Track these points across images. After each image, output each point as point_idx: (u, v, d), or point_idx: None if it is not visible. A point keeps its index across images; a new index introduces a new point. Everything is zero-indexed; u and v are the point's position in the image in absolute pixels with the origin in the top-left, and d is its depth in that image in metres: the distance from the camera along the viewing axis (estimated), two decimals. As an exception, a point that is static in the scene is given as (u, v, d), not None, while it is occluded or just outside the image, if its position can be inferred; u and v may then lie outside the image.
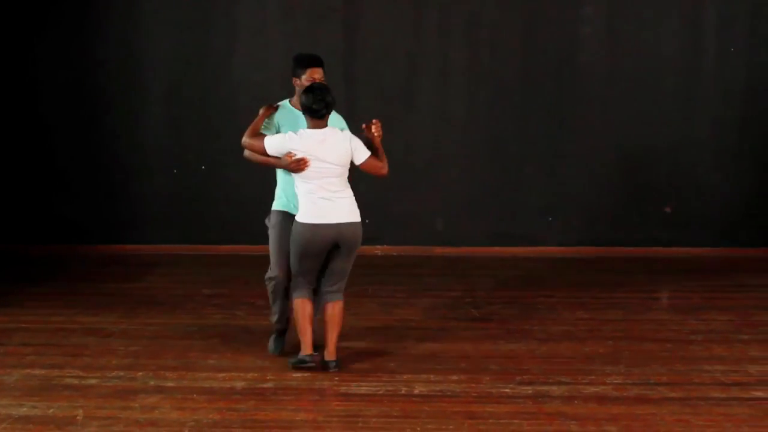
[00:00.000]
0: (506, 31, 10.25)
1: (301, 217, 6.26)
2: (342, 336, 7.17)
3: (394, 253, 10.30)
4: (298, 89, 6.44)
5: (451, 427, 5.40)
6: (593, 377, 6.23)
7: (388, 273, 9.49)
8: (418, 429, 5.37)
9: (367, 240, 10.28)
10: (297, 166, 6.17)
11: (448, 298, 8.38)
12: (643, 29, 10.27)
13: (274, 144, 6.27)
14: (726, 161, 10.35)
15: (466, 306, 8.15)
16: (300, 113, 6.34)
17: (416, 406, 5.74)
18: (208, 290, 8.70)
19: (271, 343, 6.78)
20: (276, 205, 6.66)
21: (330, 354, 6.37)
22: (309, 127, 6.23)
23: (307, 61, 6.46)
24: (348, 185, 6.45)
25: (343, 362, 6.49)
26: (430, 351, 6.77)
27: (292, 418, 5.53)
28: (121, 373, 6.31)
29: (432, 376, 6.20)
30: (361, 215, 10.29)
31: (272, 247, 6.57)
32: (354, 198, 6.48)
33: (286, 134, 6.26)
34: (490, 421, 5.48)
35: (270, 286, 6.59)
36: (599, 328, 7.44)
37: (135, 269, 9.64)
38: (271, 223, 6.64)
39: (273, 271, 6.54)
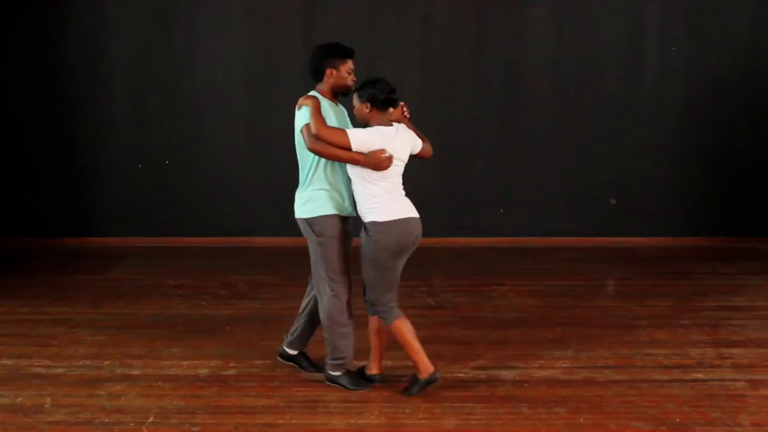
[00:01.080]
0: (458, 31, 10.26)
1: (386, 215, 5.57)
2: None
3: (352, 245, 10.25)
4: (329, 80, 5.76)
5: (407, 411, 5.42)
6: (543, 362, 6.27)
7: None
8: (376, 413, 5.38)
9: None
10: (389, 163, 5.54)
11: (403, 287, 8.33)
12: (589, 30, 10.33)
13: (360, 139, 5.49)
14: (667, 156, 10.45)
15: (422, 294, 8.17)
16: (328, 104, 5.74)
17: (374, 391, 5.75)
18: (173, 281, 8.65)
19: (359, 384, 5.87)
20: (327, 208, 5.68)
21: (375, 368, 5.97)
22: (376, 123, 5.63)
23: (348, 52, 5.81)
24: None
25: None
26: (386, 339, 6.76)
27: (254, 404, 5.52)
28: (88, 362, 6.27)
29: (389, 362, 6.19)
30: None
31: (331, 260, 5.73)
32: None
33: (369, 130, 5.56)
34: (445, 404, 5.51)
35: (332, 307, 5.73)
36: (549, 315, 7.49)
37: (101, 261, 9.56)
38: (329, 233, 5.68)
39: (342, 287, 5.76)
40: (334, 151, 5.50)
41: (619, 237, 10.40)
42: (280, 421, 5.27)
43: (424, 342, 6.11)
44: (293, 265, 9.31)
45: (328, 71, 5.76)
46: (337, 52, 5.78)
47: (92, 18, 10.21)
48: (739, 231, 10.45)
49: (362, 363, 6.01)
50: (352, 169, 5.60)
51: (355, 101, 5.71)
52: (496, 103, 10.33)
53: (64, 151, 10.38)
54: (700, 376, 6.03)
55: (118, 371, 6.11)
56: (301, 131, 5.58)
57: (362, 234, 5.65)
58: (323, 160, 5.61)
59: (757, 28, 10.30)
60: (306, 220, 5.69)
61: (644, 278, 8.79)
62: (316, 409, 5.44)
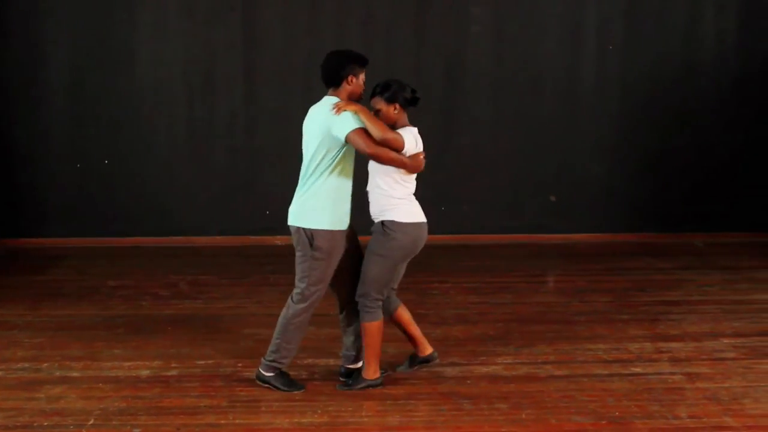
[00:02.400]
0: (399, 28, 10.28)
1: (407, 216, 5.63)
2: (244, 323, 7.16)
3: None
4: (347, 86, 5.60)
5: (350, 408, 5.41)
6: (485, 358, 6.30)
7: (288, 262, 9.40)
8: (319, 411, 5.36)
9: (268, 230, 10.31)
10: (424, 164, 5.64)
11: (346, 286, 8.38)
12: (528, 28, 10.40)
13: (409, 141, 5.56)
14: (604, 154, 10.57)
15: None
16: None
17: (317, 389, 5.73)
18: (113, 282, 8.54)
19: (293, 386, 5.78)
20: (332, 223, 5.57)
21: (428, 347, 6.04)
22: (402, 124, 5.66)
23: (366, 61, 5.73)
24: None
25: (248, 349, 6.45)
26: (330, 336, 6.75)
27: (196, 405, 5.47)
28: (26, 365, 6.16)
29: (332, 360, 6.19)
30: (264, 207, 10.33)
31: (318, 278, 5.64)
32: None
33: (404, 132, 5.57)
34: (388, 402, 5.51)
35: (298, 319, 5.68)
36: (490, 312, 7.53)
37: (39, 262, 9.40)
38: (327, 249, 5.58)
39: (317, 298, 5.71)
40: (391, 155, 5.50)
41: (558, 234, 10.48)
42: (222, 421, 5.23)
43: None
44: (236, 264, 9.29)
45: (349, 78, 5.63)
46: (359, 60, 5.69)
47: (29, 14, 10.03)
48: (676, 227, 10.59)
49: (302, 361, 5.97)
50: (385, 172, 5.61)
51: (380, 104, 5.67)
52: (436, 101, 10.34)
53: (1, 150, 10.18)
54: (638, 370, 6.10)
55: (58, 373, 6.01)
56: (348, 136, 5.42)
57: (378, 231, 5.66)
58: (338, 168, 5.54)
59: (692, 28, 10.46)
60: (310, 230, 5.56)
61: (583, 274, 8.87)
62: (259, 409, 5.41)
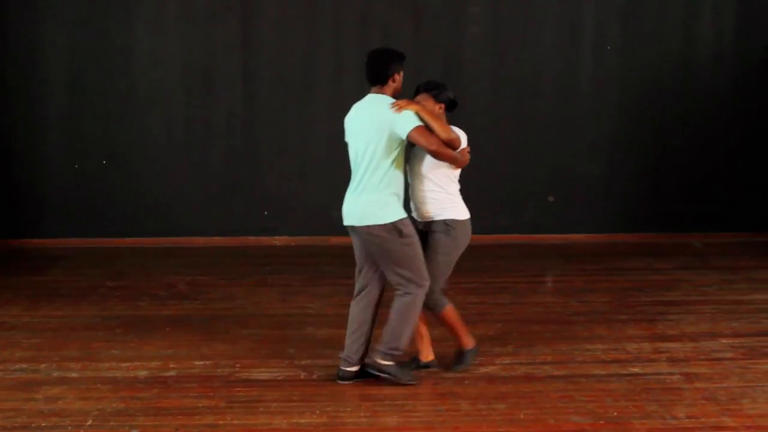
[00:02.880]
0: (396, 30, 10.26)
1: (464, 214, 5.91)
2: (242, 323, 7.16)
3: (292, 243, 10.25)
4: (392, 84, 5.81)
5: (348, 409, 5.41)
6: (483, 358, 6.29)
7: (286, 262, 9.44)
8: (317, 412, 5.36)
9: (267, 230, 10.32)
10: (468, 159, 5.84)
11: (344, 286, 8.34)
12: (526, 29, 10.40)
13: (463, 138, 5.84)
14: (602, 154, 10.57)
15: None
16: None
17: (315, 390, 5.73)
18: (111, 282, 8.53)
19: (409, 375, 5.88)
20: (403, 210, 5.74)
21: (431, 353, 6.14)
22: (446, 122, 5.82)
23: (404, 58, 5.94)
24: None
25: (247, 350, 6.46)
26: (328, 336, 6.76)
27: (194, 405, 5.46)
28: (24, 365, 6.15)
29: (330, 361, 6.18)
30: (263, 207, 10.34)
31: (418, 259, 5.72)
32: None
33: (454, 129, 5.78)
34: (386, 402, 5.51)
35: (420, 302, 5.78)
36: (489, 312, 7.53)
37: (37, 263, 9.39)
38: (412, 232, 5.72)
39: (427, 281, 5.76)
40: (450, 152, 5.70)
41: (556, 234, 10.47)
42: (221, 422, 5.22)
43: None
44: (233, 265, 9.28)
45: (394, 76, 5.81)
46: (402, 58, 5.87)
47: (26, 14, 10.02)
48: (674, 227, 10.59)
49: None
50: (439, 170, 5.80)
51: (428, 101, 5.85)
52: (435, 101, 10.33)
53: (-2, 152, 10.19)
54: (637, 370, 6.10)
55: (56, 374, 6.00)
56: (411, 134, 5.58)
57: (441, 230, 5.83)
58: (398, 164, 5.70)
59: (690, 27, 10.46)
60: (393, 223, 5.64)
61: (582, 275, 8.87)
62: (257, 409, 5.40)
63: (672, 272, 8.96)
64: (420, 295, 5.74)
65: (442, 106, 5.88)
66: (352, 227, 5.79)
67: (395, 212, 5.67)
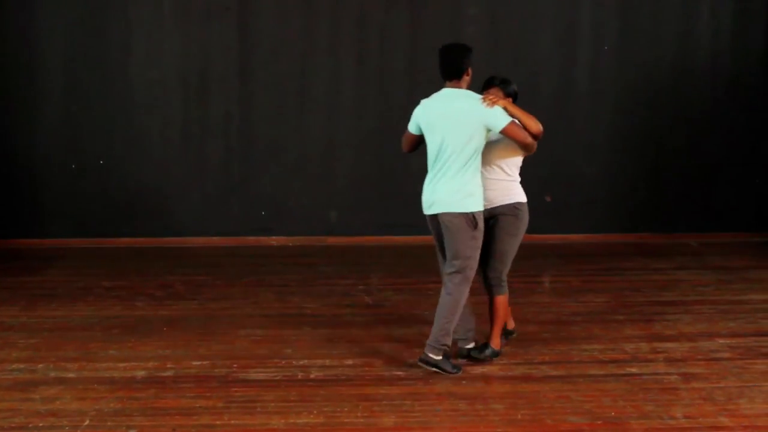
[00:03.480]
0: (393, 30, 10.27)
1: (526, 197, 6.31)
2: (240, 323, 7.16)
3: (289, 244, 10.25)
4: (467, 78, 6.13)
5: (345, 409, 5.41)
6: (480, 358, 6.30)
7: (282, 263, 9.44)
8: (315, 412, 5.36)
9: (264, 231, 10.32)
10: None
11: (341, 286, 8.39)
12: (523, 30, 10.41)
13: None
14: (599, 154, 10.58)
15: (359, 293, 8.17)
16: None
17: (312, 390, 5.73)
18: (108, 282, 8.52)
19: (450, 366, 6.04)
20: (482, 203, 6.01)
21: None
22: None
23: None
24: None
25: (243, 350, 6.46)
26: (325, 337, 6.76)
27: (192, 405, 5.46)
28: (21, 366, 6.15)
29: (327, 360, 6.19)
30: (259, 207, 10.34)
31: (478, 252, 6.01)
32: None
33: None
34: (384, 402, 5.51)
35: (465, 297, 6.06)
36: (486, 312, 7.48)
37: (34, 263, 9.39)
38: (482, 226, 5.99)
39: (471, 275, 6.03)
40: (534, 143, 6.03)
41: (553, 234, 10.47)
42: (218, 422, 5.22)
43: (362, 340, 6.13)
44: (231, 265, 9.28)
45: (468, 69, 6.10)
46: (472, 52, 6.19)
47: (23, 15, 10.02)
48: (671, 227, 10.60)
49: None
50: (507, 158, 6.17)
51: (499, 95, 6.14)
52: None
53: (-5, 152, 10.18)
54: (634, 370, 6.11)
55: (53, 374, 6.00)
56: (505, 128, 5.86)
57: (510, 213, 6.16)
58: (479, 156, 5.94)
59: (688, 26, 10.47)
60: (473, 213, 5.89)
61: (578, 275, 8.87)
62: (254, 410, 5.40)
63: (669, 272, 8.97)
64: (466, 290, 6.00)
65: (510, 100, 6.13)
66: (434, 215, 6.02)
67: (477, 203, 5.92)
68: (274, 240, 10.25)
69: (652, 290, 8.24)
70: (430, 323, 6.93)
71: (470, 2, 10.34)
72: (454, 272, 5.94)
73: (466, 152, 5.86)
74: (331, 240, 10.32)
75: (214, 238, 10.30)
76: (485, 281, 6.27)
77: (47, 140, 10.22)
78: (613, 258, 9.66)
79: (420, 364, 5.98)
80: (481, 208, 5.94)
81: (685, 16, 10.48)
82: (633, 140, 10.53)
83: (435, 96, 6.09)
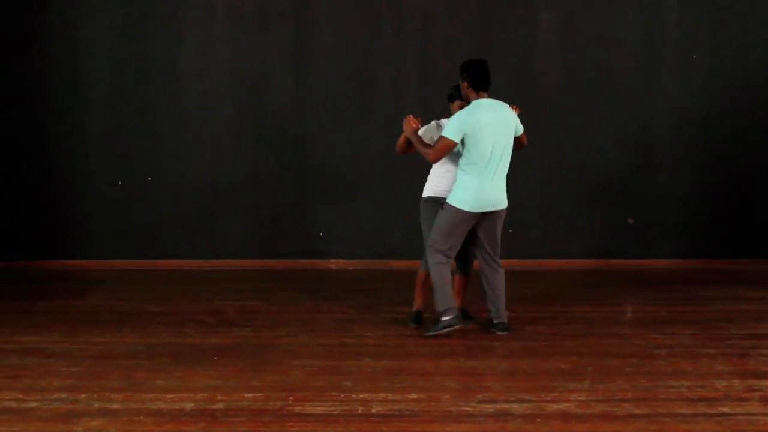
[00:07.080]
0: (461, 37, 10.26)
1: None
2: (295, 353, 7.15)
3: (349, 267, 10.24)
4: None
5: (412, 447, 5.36)
6: (556, 394, 6.20)
7: (341, 287, 9.43)
8: (378, 453, 5.32)
9: (321, 253, 10.33)
10: None
11: (404, 314, 8.34)
12: (602, 38, 10.35)
13: None
14: (687, 174, 10.45)
15: (425, 321, 8.11)
16: None
17: (374, 425, 5.68)
18: (155, 307, 8.59)
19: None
20: None
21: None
22: None
23: None
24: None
25: (299, 381, 6.44)
26: (387, 368, 6.71)
27: (244, 441, 5.46)
28: (63, 395, 6.19)
29: (390, 394, 6.14)
30: (316, 228, 10.38)
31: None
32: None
33: None
34: (452, 441, 5.45)
35: None
36: (561, 343, 7.43)
37: (77, 286, 9.50)
38: None
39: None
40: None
41: (635, 259, 10.35)
42: (272, 460, 5.21)
43: (427, 373, 6.07)
44: (286, 290, 9.30)
45: None
46: None
47: (70, 28, 10.20)
48: (764, 253, 10.42)
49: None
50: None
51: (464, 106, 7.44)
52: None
53: (38, 168, 10.34)
54: (726, 410, 5.97)
55: (96, 405, 6.03)
56: (523, 134, 7.58)
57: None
58: None
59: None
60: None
61: (664, 304, 8.75)
62: (311, 447, 5.38)
63: (764, 302, 8.81)
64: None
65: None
66: (486, 212, 7.37)
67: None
68: (333, 263, 10.25)
69: (745, 321, 8.09)
70: (502, 356, 6.90)
71: (543, 8, 10.29)
72: (497, 259, 7.65)
73: (508, 154, 7.33)
74: (395, 263, 10.29)
75: (268, 260, 10.33)
76: (465, 263, 7.95)
77: (92, 156, 10.37)
78: (701, 286, 9.53)
79: (505, 331, 7.62)
80: None
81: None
82: (722, 159, 10.39)
83: (479, 105, 7.21)
